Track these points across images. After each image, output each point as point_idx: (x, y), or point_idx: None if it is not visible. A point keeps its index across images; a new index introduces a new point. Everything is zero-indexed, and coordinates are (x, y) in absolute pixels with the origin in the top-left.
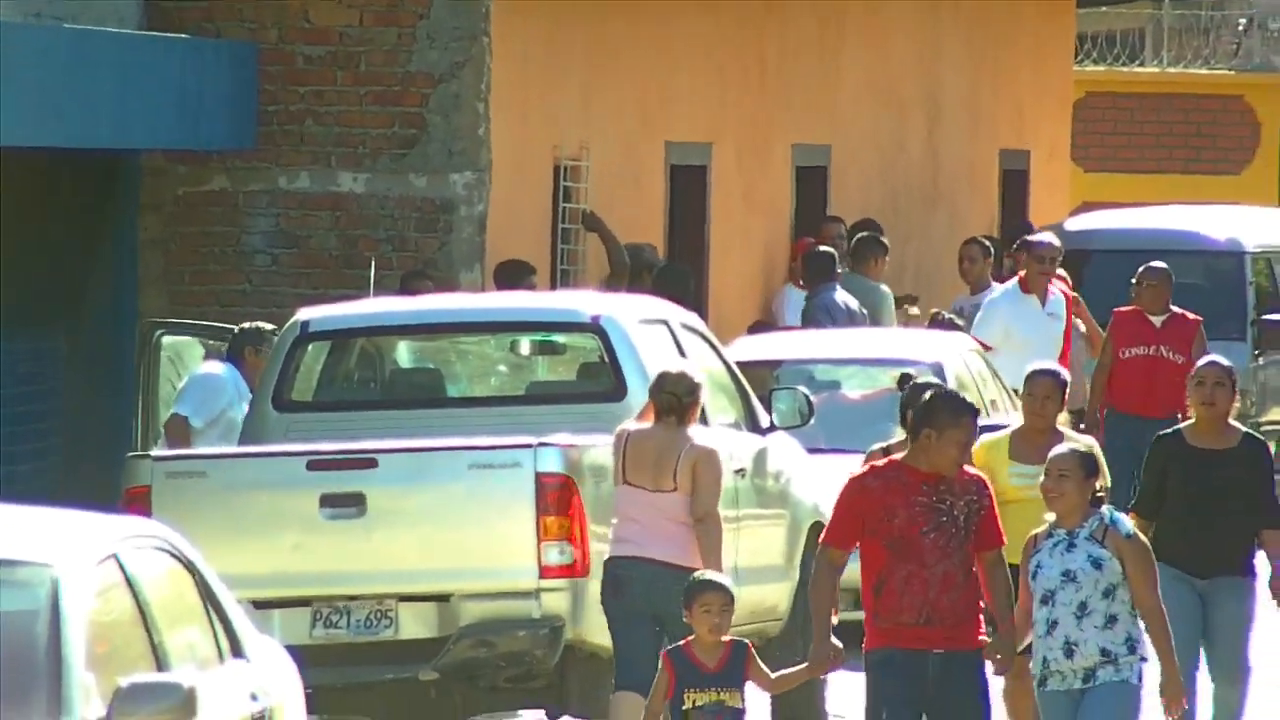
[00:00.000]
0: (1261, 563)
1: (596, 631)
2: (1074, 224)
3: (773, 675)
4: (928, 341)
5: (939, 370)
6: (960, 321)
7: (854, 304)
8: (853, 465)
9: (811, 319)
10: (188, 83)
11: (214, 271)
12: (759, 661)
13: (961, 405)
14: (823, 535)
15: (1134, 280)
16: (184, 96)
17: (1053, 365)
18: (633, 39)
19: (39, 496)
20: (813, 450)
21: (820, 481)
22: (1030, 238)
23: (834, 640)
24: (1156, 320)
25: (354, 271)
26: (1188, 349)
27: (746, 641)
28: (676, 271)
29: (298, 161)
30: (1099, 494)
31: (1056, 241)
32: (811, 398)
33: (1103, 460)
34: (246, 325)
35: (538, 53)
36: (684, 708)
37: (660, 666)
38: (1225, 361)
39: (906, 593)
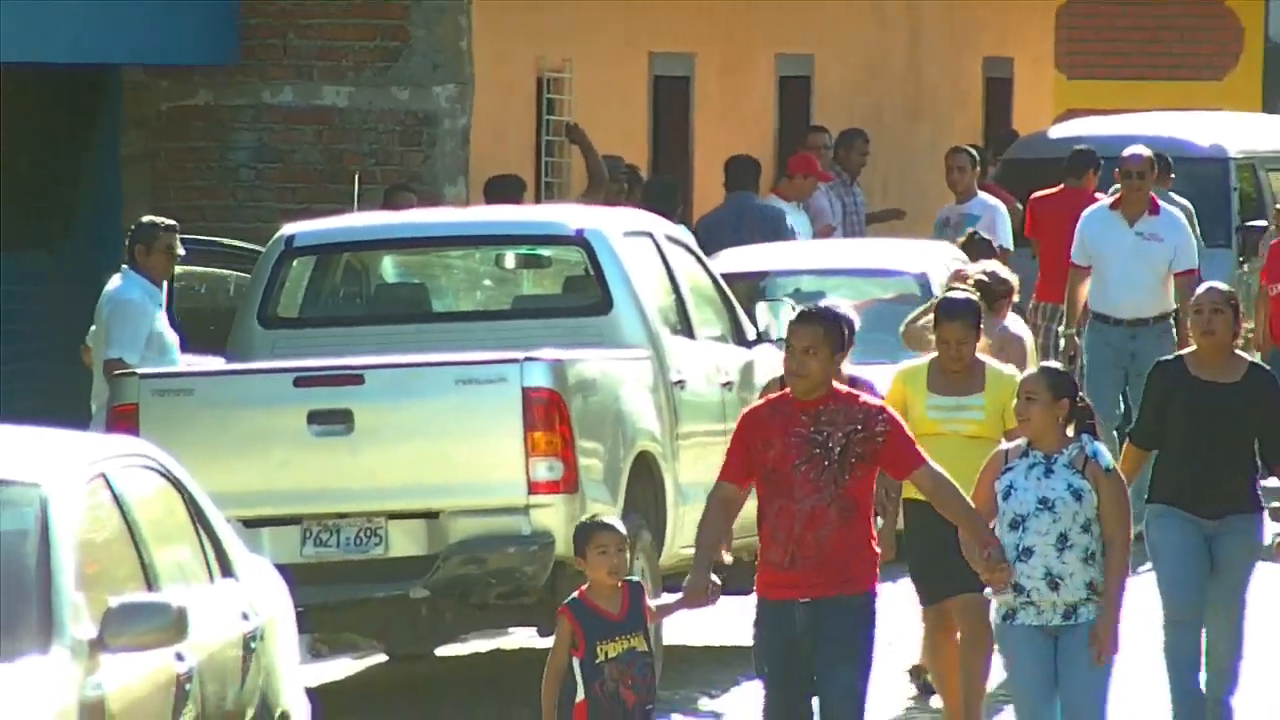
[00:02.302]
0: (1271, 495)
1: None
2: (1057, 131)
3: (653, 607)
4: (913, 251)
5: (924, 280)
6: (990, 239)
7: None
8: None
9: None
10: None
11: (198, 187)
12: (646, 598)
13: (799, 315)
14: (720, 471)
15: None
16: (165, 10)
17: (964, 296)
18: None
19: (25, 415)
20: None
21: None
22: (1125, 150)
23: (713, 575)
24: None
25: (338, 186)
26: None
27: (638, 579)
28: (665, 184)
29: (281, 75)
30: (1087, 421)
31: (1146, 152)
32: (797, 308)
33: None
34: (143, 221)
35: None
36: (596, 661)
37: (560, 620)
38: (1224, 287)
39: (777, 529)
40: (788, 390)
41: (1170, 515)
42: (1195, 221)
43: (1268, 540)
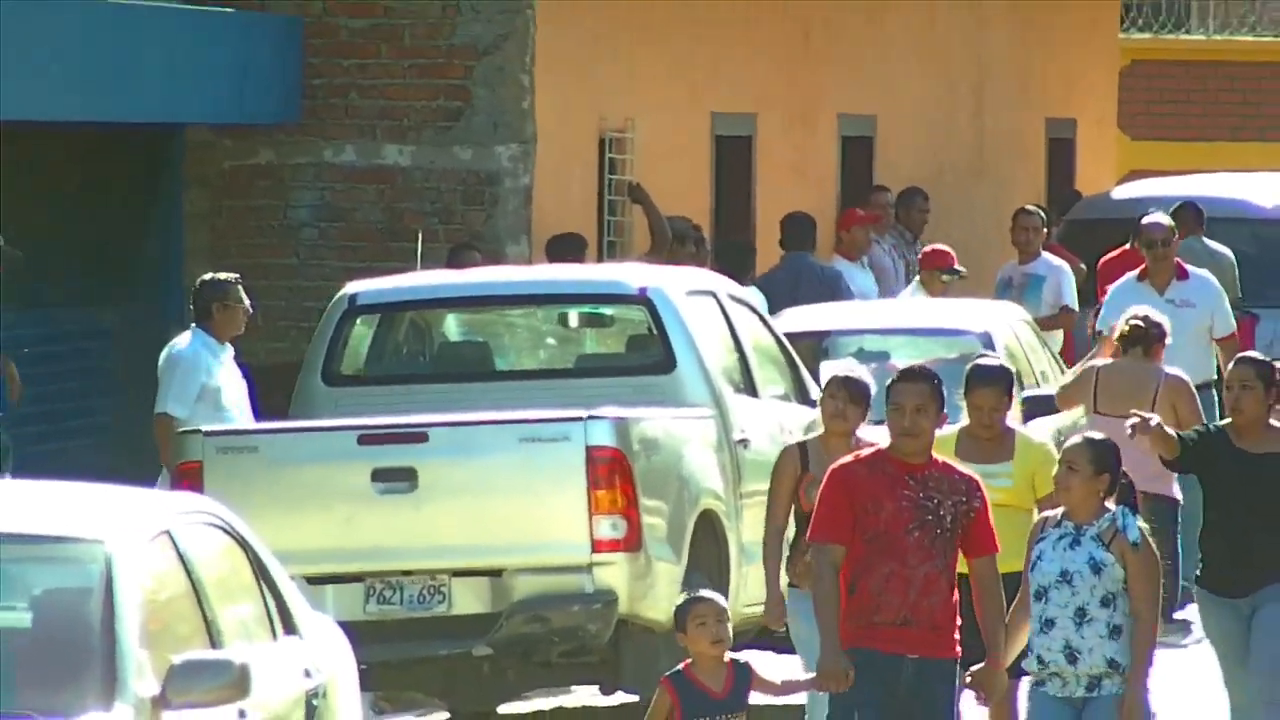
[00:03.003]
0: None
1: (650, 606)
2: (1121, 192)
3: (779, 682)
4: (977, 311)
5: (987, 340)
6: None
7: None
8: None
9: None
10: (234, 56)
11: (261, 245)
12: (761, 674)
13: (897, 376)
14: (811, 531)
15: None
16: (230, 70)
17: (996, 363)
18: (677, 8)
19: (91, 473)
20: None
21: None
22: (1143, 219)
23: (843, 655)
24: None
25: (400, 244)
26: None
27: (746, 660)
28: (738, 247)
29: (343, 135)
30: (1130, 495)
31: (1166, 220)
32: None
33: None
34: (206, 278)
35: (582, 24)
36: None
37: (660, 691)
38: (1258, 358)
39: (885, 591)
40: (879, 447)
41: (1210, 601)
42: (1237, 272)
43: None
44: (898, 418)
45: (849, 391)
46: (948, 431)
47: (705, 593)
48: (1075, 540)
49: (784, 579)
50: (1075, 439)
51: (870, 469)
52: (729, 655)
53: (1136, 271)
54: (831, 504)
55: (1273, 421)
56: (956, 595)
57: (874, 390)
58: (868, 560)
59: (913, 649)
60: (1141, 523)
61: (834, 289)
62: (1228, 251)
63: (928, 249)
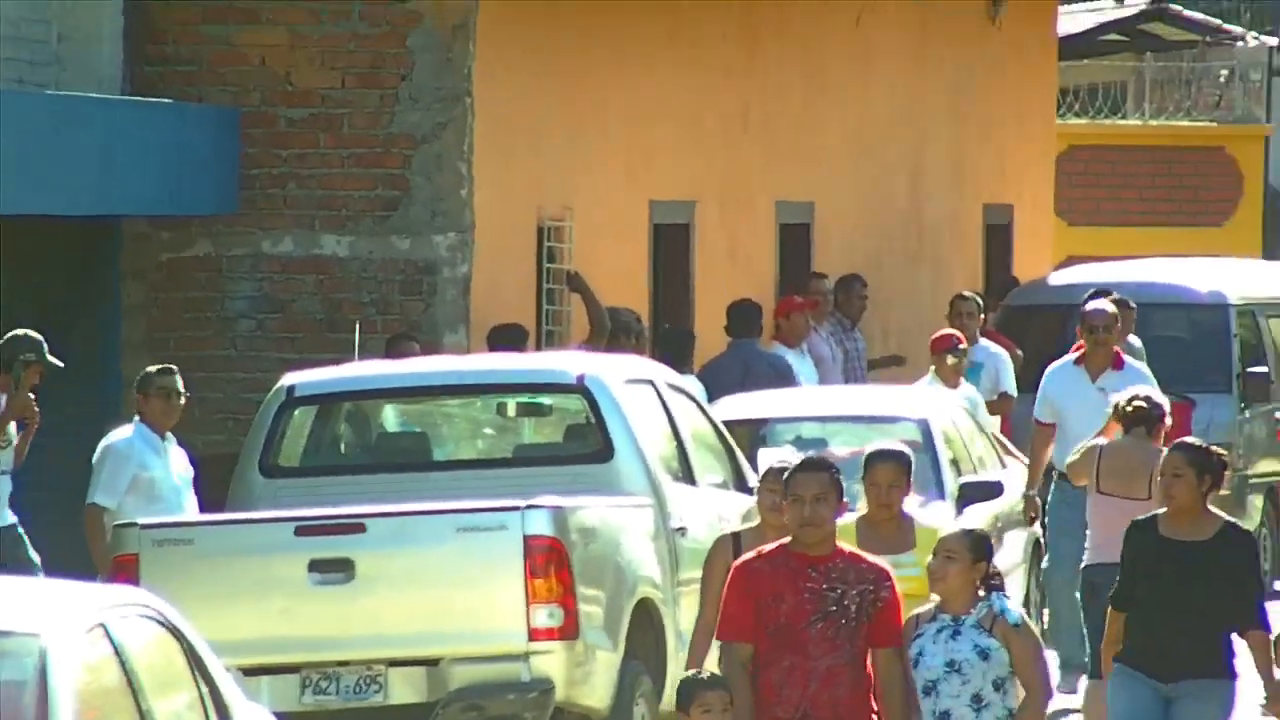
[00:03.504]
0: (1245, 665)
1: (586, 694)
2: (1058, 278)
3: None
4: (914, 398)
5: (924, 427)
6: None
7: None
8: (841, 522)
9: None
10: (170, 147)
11: (198, 337)
12: None
13: (795, 468)
14: (718, 630)
15: None
16: (167, 161)
17: (896, 446)
18: (614, 99)
19: (25, 567)
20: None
21: None
22: (1086, 305)
23: None
24: None
25: (338, 335)
26: None
27: None
28: (680, 334)
29: (281, 225)
30: (992, 579)
31: (1109, 307)
32: (799, 456)
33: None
34: (144, 370)
35: (520, 112)
36: None
37: None
38: (1193, 445)
39: (785, 685)
40: (783, 543)
41: (1127, 676)
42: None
43: (1244, 713)
44: (798, 509)
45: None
46: (846, 520)
47: (712, 674)
48: (955, 631)
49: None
50: (951, 530)
51: (772, 564)
52: None
53: (1073, 356)
54: (733, 602)
55: (1210, 508)
56: (870, 684)
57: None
58: (770, 654)
59: None
60: (1018, 606)
61: (784, 378)
62: (1138, 344)
63: (935, 335)
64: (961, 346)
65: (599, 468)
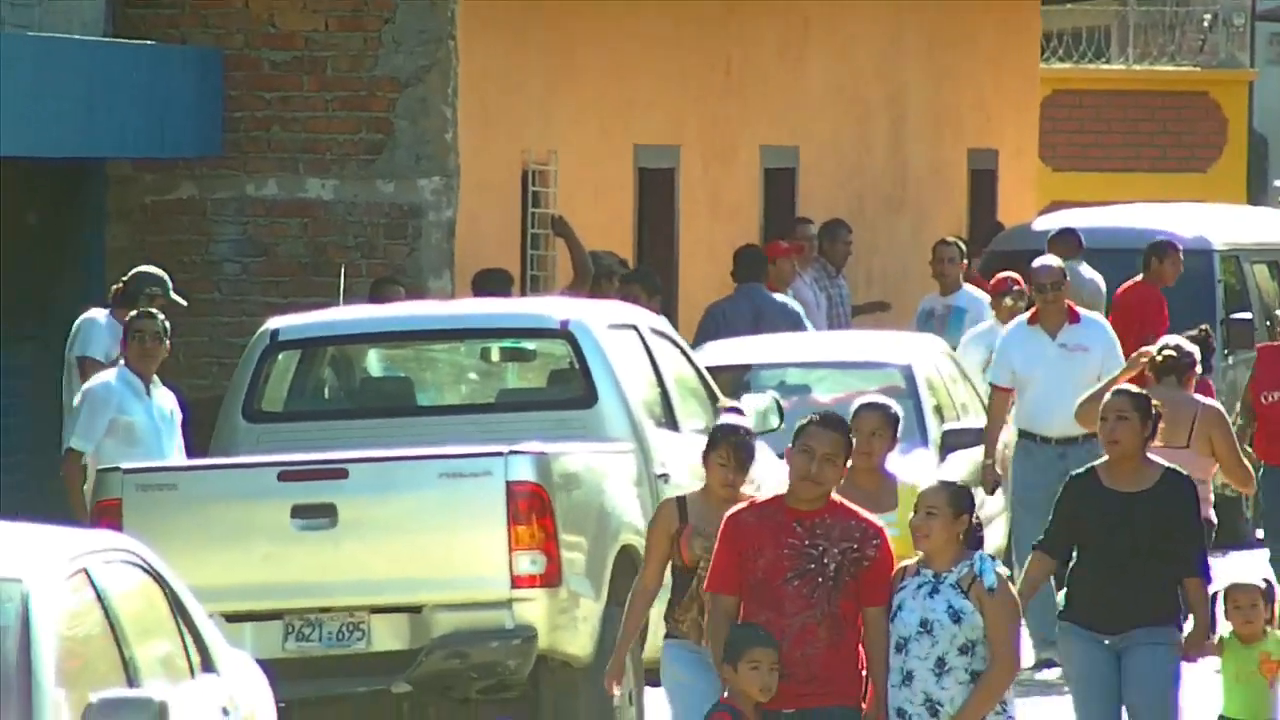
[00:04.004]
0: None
1: (569, 641)
2: (1042, 223)
3: None
4: (898, 344)
5: (908, 372)
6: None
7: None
8: None
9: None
10: (154, 90)
11: (182, 280)
12: None
13: (810, 419)
14: (706, 581)
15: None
16: (150, 104)
17: (880, 399)
18: (598, 43)
19: (7, 511)
20: (783, 455)
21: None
22: (1034, 262)
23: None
24: None
25: (323, 279)
26: None
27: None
28: (644, 274)
29: (265, 168)
30: (977, 532)
31: (1056, 262)
32: (783, 402)
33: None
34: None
35: (504, 57)
36: None
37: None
38: (1133, 390)
39: None
40: (779, 494)
41: (1075, 635)
42: (1104, 299)
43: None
44: (804, 460)
45: (737, 458)
46: None
47: (764, 632)
48: (934, 589)
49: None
50: (929, 483)
51: (759, 516)
52: None
53: (1027, 315)
54: (722, 553)
55: (1150, 456)
56: (858, 641)
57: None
58: (747, 608)
59: (786, 703)
60: (1000, 568)
61: (795, 324)
62: (1098, 278)
63: (994, 279)
64: (1018, 288)
65: (582, 413)
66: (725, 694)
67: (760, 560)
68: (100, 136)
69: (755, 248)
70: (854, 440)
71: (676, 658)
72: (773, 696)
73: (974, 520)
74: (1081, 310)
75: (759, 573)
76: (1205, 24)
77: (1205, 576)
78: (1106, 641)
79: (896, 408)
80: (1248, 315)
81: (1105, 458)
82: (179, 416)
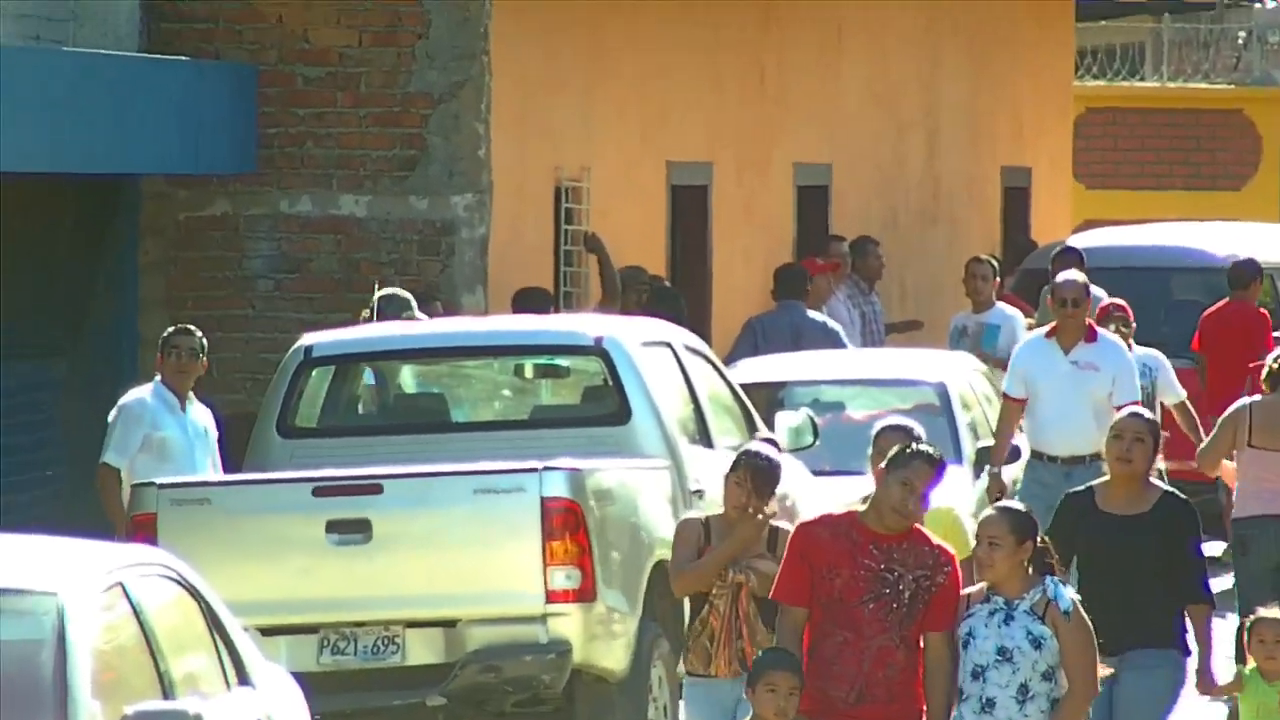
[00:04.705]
0: (1192, 641)
1: (604, 656)
2: (1076, 242)
3: None
4: (932, 362)
5: (942, 390)
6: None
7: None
8: (859, 487)
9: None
10: (188, 106)
11: (216, 296)
12: None
13: (915, 453)
14: (773, 590)
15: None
16: (184, 120)
17: (903, 420)
18: (631, 60)
19: (41, 525)
20: (818, 472)
21: (826, 504)
22: (1057, 277)
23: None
24: None
25: (356, 295)
26: None
27: None
28: (668, 292)
29: (298, 185)
30: (1046, 559)
31: (1080, 278)
32: (817, 419)
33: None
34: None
35: (537, 72)
36: None
37: None
38: (1147, 414)
39: (838, 660)
40: (853, 510)
41: None
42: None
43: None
44: (900, 493)
45: (755, 480)
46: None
47: (786, 656)
48: (1008, 616)
49: (680, 668)
50: (989, 511)
51: (833, 533)
52: None
53: (1044, 330)
54: (790, 566)
55: (1150, 479)
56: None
57: (782, 471)
58: (824, 626)
59: None
60: (1072, 592)
61: (834, 343)
62: (1102, 295)
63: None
64: (1121, 314)
65: (616, 430)
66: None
67: (836, 580)
68: (134, 152)
69: (797, 266)
70: (875, 459)
71: (691, 698)
72: (788, 718)
73: (1039, 543)
74: (1101, 330)
75: (835, 592)
76: (1240, 41)
77: (1209, 601)
78: (1104, 661)
79: (919, 429)
80: None
81: (1105, 478)
82: (214, 433)
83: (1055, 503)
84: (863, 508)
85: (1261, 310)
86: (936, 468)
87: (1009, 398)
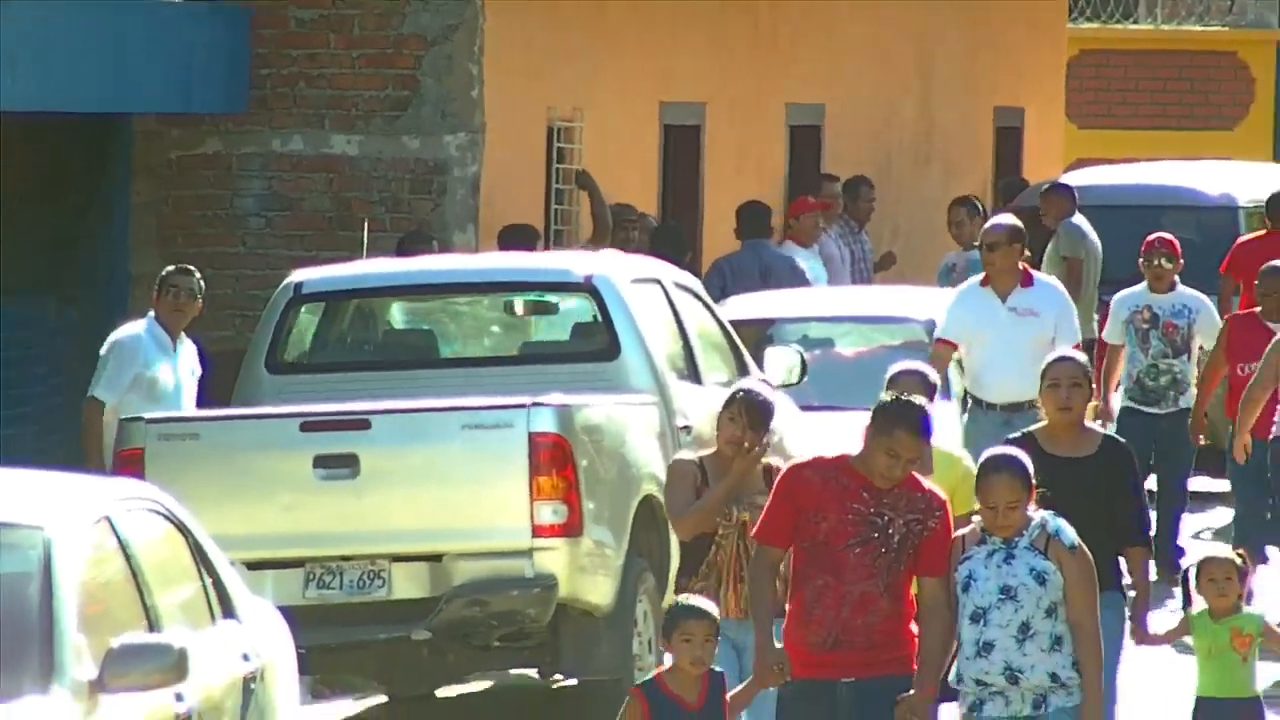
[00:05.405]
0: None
1: (590, 591)
2: (1068, 180)
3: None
4: (921, 298)
5: (931, 327)
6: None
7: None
8: (847, 422)
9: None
10: (181, 46)
11: (207, 234)
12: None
13: (899, 416)
14: (754, 529)
15: (1256, 281)
16: (177, 60)
17: (918, 365)
18: (624, 1)
19: (32, 461)
20: (806, 408)
21: (814, 439)
22: (988, 223)
23: (777, 645)
24: (1277, 326)
25: (347, 234)
26: None
27: (722, 670)
28: (672, 231)
29: (290, 124)
30: (1043, 492)
31: (1006, 221)
32: (805, 355)
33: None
34: (166, 270)
35: (530, 13)
36: None
37: (630, 700)
38: (1080, 357)
39: (817, 606)
40: (844, 454)
41: None
42: (1100, 256)
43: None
44: (888, 463)
45: (750, 416)
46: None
47: (699, 603)
48: (1008, 555)
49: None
50: (994, 474)
51: (823, 476)
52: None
53: (980, 277)
54: (775, 506)
55: (1086, 423)
56: (911, 611)
57: (776, 408)
58: (804, 570)
59: (845, 671)
60: (1067, 525)
61: (800, 280)
62: (1094, 237)
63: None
64: (1164, 248)
65: (605, 366)
66: (659, 670)
67: (823, 523)
68: (127, 92)
69: (757, 203)
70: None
71: None
72: (706, 666)
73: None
74: (1036, 274)
75: (820, 535)
76: None
77: (1148, 544)
78: None
79: (934, 375)
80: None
81: (1043, 423)
82: (198, 373)
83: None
84: (854, 453)
85: None
86: (922, 435)
87: (942, 340)
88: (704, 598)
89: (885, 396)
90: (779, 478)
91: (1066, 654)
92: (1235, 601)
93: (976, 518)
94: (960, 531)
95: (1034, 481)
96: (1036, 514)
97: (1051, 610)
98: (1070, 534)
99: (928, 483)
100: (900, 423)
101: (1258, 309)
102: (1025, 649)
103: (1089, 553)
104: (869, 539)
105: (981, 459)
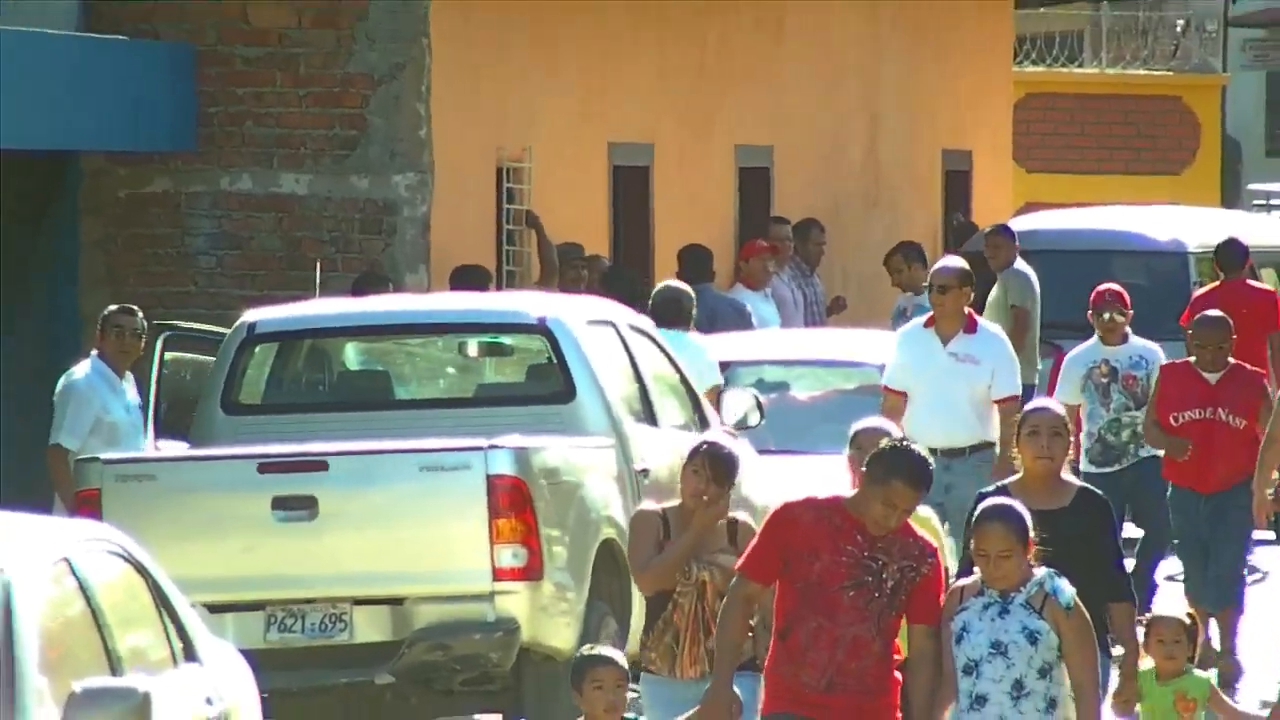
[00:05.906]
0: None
1: (551, 634)
2: (1017, 225)
3: None
4: (875, 342)
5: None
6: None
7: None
8: (803, 466)
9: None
10: (128, 84)
11: (158, 273)
12: None
13: (896, 465)
14: (739, 562)
15: (1188, 331)
16: (124, 98)
17: (881, 423)
18: (574, 40)
19: None
20: (762, 451)
21: (770, 483)
22: (935, 265)
23: (734, 688)
24: (1211, 377)
25: (298, 273)
26: (1253, 411)
27: (634, 716)
28: (624, 273)
29: (239, 163)
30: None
31: (954, 264)
32: (762, 399)
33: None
34: (107, 309)
35: (478, 54)
36: None
37: None
38: (1058, 408)
39: (811, 648)
40: (839, 496)
41: None
42: (1038, 295)
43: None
44: (885, 512)
45: (714, 469)
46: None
47: (605, 652)
48: (1003, 609)
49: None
50: (988, 523)
51: (816, 515)
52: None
53: (924, 319)
54: (763, 541)
55: (1063, 475)
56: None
57: (741, 462)
58: (797, 611)
59: (839, 716)
60: (1067, 585)
61: (745, 323)
62: (1030, 275)
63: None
64: (1115, 300)
65: (561, 408)
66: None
67: (816, 563)
68: (74, 130)
69: (698, 247)
70: (855, 457)
71: (653, 698)
72: (620, 713)
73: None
74: (982, 321)
75: (814, 575)
76: (1178, 29)
77: (1131, 599)
78: None
79: (897, 430)
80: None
81: (1018, 475)
82: (138, 403)
83: (934, 494)
84: (848, 495)
85: (1250, 285)
86: (921, 487)
87: (889, 390)
88: (660, 657)
89: (884, 444)
90: (772, 513)
91: (1060, 717)
92: (1183, 664)
93: (977, 570)
94: (961, 582)
95: (1031, 535)
96: (1039, 571)
97: (1045, 671)
98: (1068, 594)
99: (920, 530)
100: (897, 473)
101: (1191, 358)
102: (1021, 707)
103: (1085, 611)
104: (863, 582)
105: (979, 509)
